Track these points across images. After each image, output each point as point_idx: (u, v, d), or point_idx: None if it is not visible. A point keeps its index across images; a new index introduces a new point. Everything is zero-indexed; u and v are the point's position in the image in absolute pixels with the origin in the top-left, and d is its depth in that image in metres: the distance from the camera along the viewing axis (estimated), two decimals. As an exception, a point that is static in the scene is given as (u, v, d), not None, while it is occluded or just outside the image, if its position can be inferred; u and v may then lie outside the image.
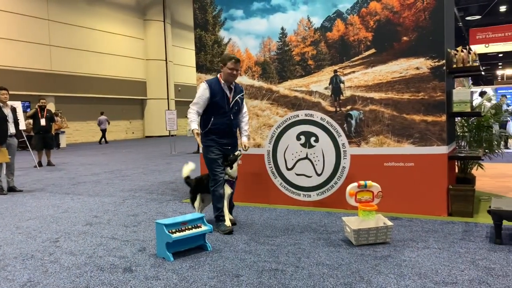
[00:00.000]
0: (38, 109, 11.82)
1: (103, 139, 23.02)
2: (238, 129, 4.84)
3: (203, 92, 4.54)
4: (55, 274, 3.45)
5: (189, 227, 3.91)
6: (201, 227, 3.96)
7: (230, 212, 4.83)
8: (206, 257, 3.76)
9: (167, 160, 12.70)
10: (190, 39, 30.02)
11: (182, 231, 3.84)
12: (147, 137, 28.46)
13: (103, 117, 23.21)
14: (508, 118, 12.63)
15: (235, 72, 4.52)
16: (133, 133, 28.25)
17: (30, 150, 12.52)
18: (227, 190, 4.69)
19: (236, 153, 4.68)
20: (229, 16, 6.09)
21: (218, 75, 4.62)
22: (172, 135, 17.28)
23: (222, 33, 6.16)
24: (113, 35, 25.91)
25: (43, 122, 11.71)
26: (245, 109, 4.86)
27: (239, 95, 4.71)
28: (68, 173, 10.20)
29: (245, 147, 4.73)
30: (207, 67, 6.27)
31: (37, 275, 3.45)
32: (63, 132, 20.42)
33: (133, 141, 24.67)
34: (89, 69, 24.15)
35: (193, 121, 4.55)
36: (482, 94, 13.03)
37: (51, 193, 7.39)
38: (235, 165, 4.70)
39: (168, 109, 21.66)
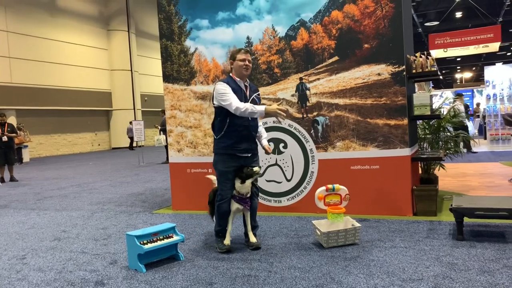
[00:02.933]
0: (-1, 126, 11.46)
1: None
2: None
3: (225, 87, 3.97)
4: (23, 291, 3.37)
5: (161, 237, 3.91)
6: (172, 237, 3.96)
7: (254, 233, 4.25)
8: (179, 266, 3.76)
9: (135, 172, 12.53)
10: (155, 48, 29.80)
11: (154, 242, 3.83)
12: (113, 148, 27.95)
13: (130, 126, 23.73)
14: (465, 121, 13.15)
15: (247, 63, 4.04)
16: (99, 145, 27.67)
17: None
18: (233, 206, 4.10)
19: (255, 169, 4.03)
20: (194, 26, 6.13)
21: (230, 74, 4.14)
22: (140, 146, 17.06)
23: (188, 43, 6.19)
24: (76, 46, 25.39)
25: (4, 138, 11.36)
26: None
27: (255, 94, 4.20)
28: (33, 188, 9.92)
29: (269, 150, 4.22)
30: (174, 76, 6.28)
31: (5, 293, 3.36)
32: (26, 146, 19.78)
33: (99, 153, 24.17)
34: (52, 80, 23.55)
35: (253, 108, 3.85)
36: (458, 95, 13.50)
37: (15, 210, 7.17)
38: (249, 181, 4.04)
39: (135, 120, 21.39)
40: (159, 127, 14.51)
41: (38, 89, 22.67)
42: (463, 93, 14.11)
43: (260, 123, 4.31)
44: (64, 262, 4.07)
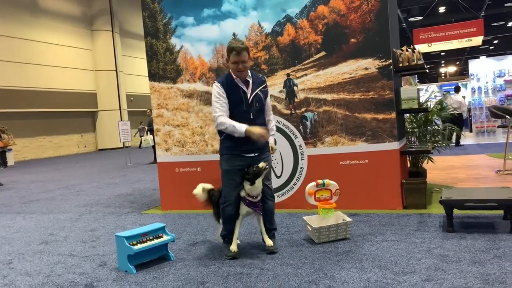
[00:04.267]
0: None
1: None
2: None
3: (216, 93, 3.76)
4: (10, 297, 3.30)
5: (151, 238, 3.85)
6: (162, 237, 3.91)
7: (270, 236, 4.00)
8: (170, 266, 3.72)
9: (122, 173, 12.40)
10: (140, 48, 29.53)
11: (143, 242, 3.77)
12: (100, 150, 27.66)
13: (141, 126, 23.79)
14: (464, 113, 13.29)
15: (240, 66, 3.69)
16: (85, 146, 27.36)
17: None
18: (243, 210, 3.86)
19: (260, 165, 3.72)
20: (179, 23, 6.06)
21: (230, 71, 3.85)
22: (127, 147, 16.90)
23: (173, 41, 6.12)
24: (60, 47, 25.04)
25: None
26: (270, 108, 4.06)
27: (260, 88, 3.85)
28: (18, 192, 9.75)
29: (272, 149, 4.00)
30: (159, 75, 6.21)
31: (-9, 299, 3.28)
32: (10, 149, 19.46)
33: (86, 155, 23.90)
34: (36, 82, 23.20)
35: (235, 126, 3.64)
36: (457, 89, 13.61)
37: (0, 214, 7.03)
38: (258, 181, 3.75)
39: (121, 120, 21.17)
40: (146, 127, 14.39)
41: (22, 91, 22.31)
42: (459, 87, 14.22)
43: (271, 117, 4.05)
44: (52, 266, 3.99)
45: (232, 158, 3.81)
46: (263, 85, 3.90)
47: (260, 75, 4.07)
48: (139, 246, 3.69)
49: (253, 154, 3.80)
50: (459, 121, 12.49)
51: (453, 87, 14.57)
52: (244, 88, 3.79)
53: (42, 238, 5.14)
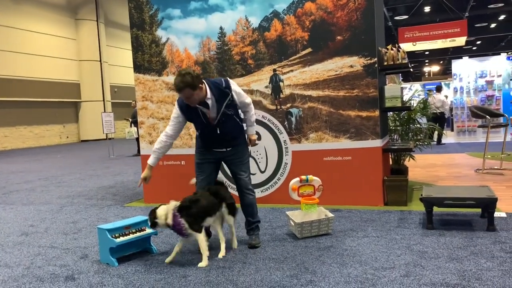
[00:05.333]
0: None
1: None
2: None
3: (175, 111, 3.81)
4: (-11, 288, 3.26)
5: (133, 230, 3.84)
6: (145, 230, 3.90)
7: (253, 229, 4.01)
8: (152, 260, 3.71)
9: (105, 164, 12.29)
10: (126, 38, 29.19)
11: (126, 235, 3.76)
12: (82, 141, 27.33)
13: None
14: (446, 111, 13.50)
15: (188, 100, 3.61)
16: (67, 137, 27.00)
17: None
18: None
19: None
20: (166, 15, 6.01)
21: None
22: (110, 138, 16.73)
23: (159, 33, 6.08)
24: (42, 35, 24.58)
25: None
26: (247, 99, 3.90)
27: (225, 103, 3.70)
28: (-2, 182, 9.59)
29: (251, 142, 3.97)
30: (145, 67, 6.16)
31: (-31, 291, 3.24)
32: (-10, 138, 19.11)
33: (68, 146, 23.59)
34: (17, 71, 22.76)
35: (155, 152, 3.83)
36: (438, 88, 13.81)
37: (-21, 204, 6.92)
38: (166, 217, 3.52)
39: (105, 111, 20.94)
40: (130, 120, 14.25)
41: (3, 80, 21.87)
42: (441, 86, 14.45)
43: (248, 108, 3.92)
44: (33, 258, 3.95)
45: (204, 151, 3.93)
46: (227, 99, 3.72)
47: (222, 82, 3.73)
48: (122, 238, 3.68)
49: (224, 149, 3.87)
50: (441, 120, 12.70)
51: (436, 86, 14.78)
52: (205, 110, 3.69)
53: (22, 229, 5.07)
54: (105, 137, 16.43)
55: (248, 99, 3.93)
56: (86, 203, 6.50)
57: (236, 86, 3.85)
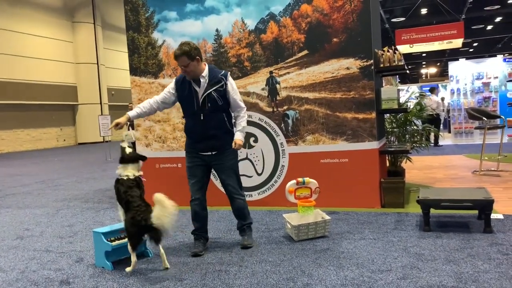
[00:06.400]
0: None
1: None
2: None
3: (169, 86, 3.97)
4: (-17, 293, 3.23)
5: (129, 234, 3.81)
6: (141, 233, 3.87)
7: (245, 229, 4.04)
8: (148, 263, 3.69)
9: (102, 167, 12.25)
10: (122, 41, 29.14)
11: (122, 239, 3.73)
12: (80, 144, 27.25)
13: None
14: (441, 113, 13.54)
15: (182, 70, 3.77)
16: (64, 140, 26.93)
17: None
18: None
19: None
20: (162, 17, 6.00)
21: None
22: (107, 141, 16.69)
23: (155, 35, 6.06)
24: (39, 38, 24.53)
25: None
26: (241, 103, 3.93)
27: (215, 87, 3.79)
28: (-6, 186, 9.54)
29: (235, 145, 3.82)
30: (141, 69, 6.14)
31: (-37, 296, 3.21)
32: (-14, 142, 19.03)
33: (65, 149, 23.52)
34: (14, 74, 22.69)
35: (138, 107, 3.94)
36: (432, 90, 13.87)
37: (-25, 208, 6.87)
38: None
39: (102, 114, 20.90)
40: (128, 122, 14.17)
41: (-1, 83, 21.81)
42: (435, 87, 14.52)
43: (241, 113, 3.91)
44: (27, 262, 3.92)
45: (191, 155, 3.96)
46: (219, 85, 3.81)
47: (222, 71, 3.92)
48: (117, 242, 3.65)
49: (210, 153, 3.88)
50: (437, 122, 12.72)
51: (430, 88, 14.82)
52: (196, 88, 3.81)
53: (18, 233, 5.04)
54: (102, 140, 16.37)
55: (243, 104, 3.97)
56: (83, 206, 6.47)
57: (234, 84, 3.95)
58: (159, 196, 3.30)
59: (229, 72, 3.98)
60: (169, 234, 3.41)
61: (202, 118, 3.80)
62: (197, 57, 3.73)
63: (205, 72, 3.82)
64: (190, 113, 3.87)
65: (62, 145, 26.46)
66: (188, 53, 3.67)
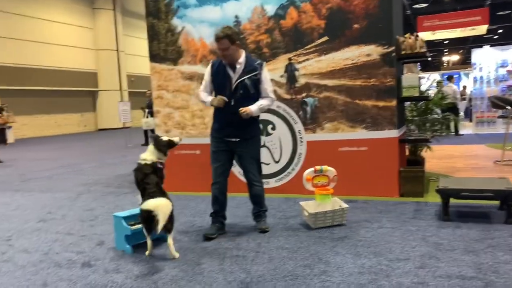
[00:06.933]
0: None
1: None
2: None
3: (206, 71, 4.03)
4: (9, 273, 3.34)
5: (148, 218, 3.87)
6: (160, 218, 3.92)
7: (260, 215, 4.11)
8: (167, 247, 3.74)
9: (122, 153, 12.42)
10: (142, 27, 29.16)
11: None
12: (100, 130, 27.64)
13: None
14: (458, 102, 13.28)
15: (221, 53, 3.82)
16: (85, 126, 27.33)
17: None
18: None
19: (175, 139, 3.89)
20: (182, 4, 6.00)
21: None
22: (127, 127, 16.87)
23: (175, 21, 6.07)
24: (60, 25, 24.80)
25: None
26: (271, 94, 4.02)
27: (250, 76, 3.84)
28: (18, 169, 9.78)
29: (242, 110, 3.77)
30: (160, 56, 6.17)
31: (-11, 275, 3.32)
32: (10, 127, 19.45)
33: (86, 135, 23.91)
34: (36, 60, 23.03)
35: (206, 96, 3.98)
36: (450, 78, 13.60)
37: None
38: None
39: (121, 101, 21.10)
40: (146, 109, 14.20)
41: (22, 69, 22.18)
42: (452, 75, 14.22)
43: (265, 99, 3.96)
44: (50, 244, 4.03)
45: (217, 140, 4.02)
46: (254, 73, 3.87)
47: (258, 60, 4.02)
48: (137, 226, 3.71)
49: (234, 139, 3.95)
50: (455, 110, 12.48)
51: (447, 76, 14.51)
52: (231, 73, 3.87)
53: (41, 216, 5.17)
54: (122, 126, 16.56)
55: (272, 95, 4.07)
56: (103, 191, 6.59)
57: (268, 74, 4.03)
58: (150, 205, 3.40)
59: (265, 62, 4.04)
60: (170, 223, 3.43)
61: (232, 104, 3.84)
62: (237, 41, 3.82)
63: (242, 59, 3.88)
64: (221, 93, 3.90)
65: (83, 131, 26.89)
66: (229, 36, 3.74)
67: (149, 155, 3.78)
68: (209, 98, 3.96)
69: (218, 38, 3.76)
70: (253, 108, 3.85)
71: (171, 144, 3.88)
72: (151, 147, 3.84)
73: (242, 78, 3.84)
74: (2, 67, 21.09)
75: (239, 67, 3.87)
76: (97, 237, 4.16)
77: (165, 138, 3.91)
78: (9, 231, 4.56)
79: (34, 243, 4.09)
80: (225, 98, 3.84)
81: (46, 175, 8.62)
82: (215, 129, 4.04)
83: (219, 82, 3.91)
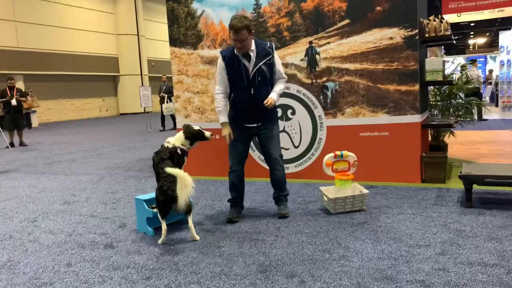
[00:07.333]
0: (8, 89, 11.50)
1: None
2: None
3: (219, 65, 3.86)
4: (35, 253, 3.44)
5: (169, 201, 3.92)
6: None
7: (281, 199, 4.08)
8: (188, 230, 3.79)
9: (143, 137, 12.57)
10: (162, 12, 29.24)
11: (162, 206, 3.84)
12: (121, 114, 27.99)
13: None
14: (480, 86, 12.95)
15: (238, 45, 3.68)
16: (107, 110, 27.72)
17: (1, 131, 12.18)
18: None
19: (206, 134, 3.94)
20: (201, -13, 5.96)
21: None
22: (147, 112, 17.05)
23: (195, 5, 6.04)
24: (82, 10, 25.02)
25: (13, 102, 11.39)
26: (284, 74, 3.99)
27: (264, 61, 3.78)
28: (42, 153, 10.01)
29: (267, 102, 3.73)
30: (180, 40, 6.17)
31: (17, 254, 3.43)
32: (34, 111, 19.88)
33: (107, 119, 24.26)
34: (58, 45, 23.36)
35: (221, 111, 3.84)
36: (473, 62, 13.29)
37: (25, 173, 7.25)
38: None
39: (142, 85, 21.27)
40: (165, 94, 14.27)
41: (45, 54, 22.54)
42: (476, 59, 13.85)
43: (281, 79, 3.95)
44: (74, 225, 4.13)
45: (236, 128, 3.94)
46: (268, 57, 3.80)
47: (267, 43, 3.90)
48: (158, 209, 3.77)
49: (255, 124, 3.91)
50: (478, 95, 12.17)
51: (470, 59, 14.12)
52: (246, 63, 3.76)
53: (65, 198, 5.30)
54: (143, 111, 16.73)
55: (284, 74, 4.03)
56: (125, 175, 6.69)
57: (277, 54, 3.96)
58: (172, 171, 3.41)
59: (273, 43, 3.98)
60: (189, 206, 3.46)
61: (252, 92, 3.79)
62: (253, 31, 3.75)
63: (253, 46, 3.79)
64: (239, 87, 3.82)
65: (104, 115, 27.28)
66: (248, 27, 3.65)
67: (174, 139, 3.83)
68: (223, 118, 3.87)
69: (237, 30, 3.60)
70: (274, 97, 3.83)
71: (200, 135, 3.89)
72: (180, 133, 3.88)
73: (258, 66, 3.77)
74: (25, 52, 21.47)
75: (253, 55, 3.77)
76: (119, 220, 4.24)
77: (196, 127, 3.93)
78: (35, 212, 4.69)
79: (59, 224, 4.20)
80: (232, 138, 3.88)
81: (69, 159, 8.80)
82: (234, 117, 3.94)
83: (234, 74, 3.79)
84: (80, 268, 3.08)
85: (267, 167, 4.09)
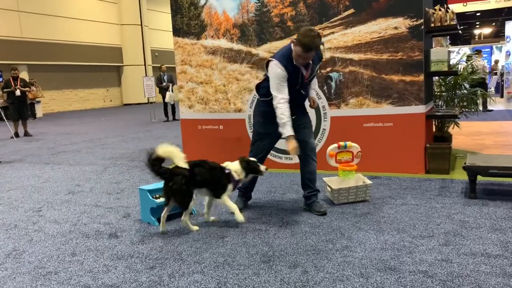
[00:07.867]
0: (11, 80, 11.51)
1: None
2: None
3: (278, 75, 3.57)
4: (40, 242, 3.47)
5: (173, 192, 3.93)
6: (184, 192, 3.98)
7: (315, 195, 3.95)
8: (191, 220, 3.81)
9: (147, 128, 12.59)
10: (165, 2, 29.04)
11: (166, 196, 3.85)
12: (125, 104, 28.01)
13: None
14: (486, 77, 12.85)
15: (301, 61, 3.55)
16: (111, 101, 27.74)
17: (6, 121, 12.24)
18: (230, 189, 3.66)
19: (261, 168, 3.74)
20: (205, -23, 5.92)
21: (291, 45, 3.58)
22: (151, 102, 17.04)
23: (198, -5, 6.01)
24: (85, 0, 24.96)
25: (17, 92, 11.41)
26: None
27: (318, 65, 3.88)
28: (47, 143, 10.05)
29: (314, 102, 3.93)
30: (184, 30, 6.14)
31: (22, 244, 3.46)
32: (39, 101, 19.92)
33: (111, 109, 24.29)
34: (62, 35, 23.33)
35: (287, 123, 3.56)
36: (478, 52, 13.18)
37: (30, 164, 7.29)
38: (249, 175, 3.75)
39: (146, 76, 21.26)
40: (169, 83, 14.24)
41: (48, 44, 22.52)
42: (482, 50, 13.74)
43: (315, 82, 4.01)
44: (79, 215, 4.15)
45: (267, 123, 3.82)
46: (320, 63, 3.91)
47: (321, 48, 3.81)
48: (162, 199, 3.78)
49: (292, 117, 3.70)
50: (483, 85, 12.10)
51: (475, 50, 14.00)
52: (304, 71, 3.67)
53: (69, 188, 5.33)
54: (146, 101, 16.74)
55: None
56: (129, 165, 6.71)
57: None
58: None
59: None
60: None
61: (303, 92, 3.80)
62: None
63: None
64: (293, 90, 3.68)
65: (108, 106, 27.31)
66: (318, 48, 3.61)
67: (233, 166, 3.70)
68: (287, 132, 3.57)
69: (310, 50, 3.45)
70: (313, 94, 4.01)
71: (255, 169, 3.74)
72: (238, 163, 3.73)
73: (314, 71, 3.80)
74: (28, 43, 21.46)
75: (311, 63, 3.69)
76: (124, 210, 4.27)
77: (255, 162, 3.76)
78: (40, 202, 4.72)
79: (64, 214, 4.22)
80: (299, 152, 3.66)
81: (74, 149, 8.83)
82: (268, 112, 3.74)
83: (292, 81, 3.66)
84: (84, 258, 3.11)
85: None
